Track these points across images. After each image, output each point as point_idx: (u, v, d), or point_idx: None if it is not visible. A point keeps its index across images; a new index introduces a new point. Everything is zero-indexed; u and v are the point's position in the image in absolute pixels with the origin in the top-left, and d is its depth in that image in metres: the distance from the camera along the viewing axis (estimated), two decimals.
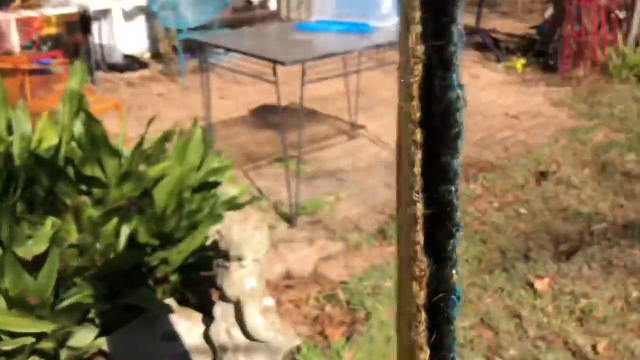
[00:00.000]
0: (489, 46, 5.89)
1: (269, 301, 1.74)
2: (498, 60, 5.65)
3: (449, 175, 0.19)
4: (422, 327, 0.22)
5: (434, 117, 0.19)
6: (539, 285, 2.43)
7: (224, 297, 1.73)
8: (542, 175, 3.33)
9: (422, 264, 0.21)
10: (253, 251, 1.61)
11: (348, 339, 2.20)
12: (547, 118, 4.22)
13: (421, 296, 0.21)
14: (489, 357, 2.09)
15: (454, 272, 0.21)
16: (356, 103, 3.91)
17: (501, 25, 7.08)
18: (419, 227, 0.20)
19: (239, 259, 1.61)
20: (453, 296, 0.21)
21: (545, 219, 2.90)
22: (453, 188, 0.19)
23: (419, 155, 0.20)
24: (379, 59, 3.22)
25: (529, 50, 5.74)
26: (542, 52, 5.55)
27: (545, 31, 5.68)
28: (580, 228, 2.82)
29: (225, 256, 1.64)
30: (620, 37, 5.23)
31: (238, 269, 1.64)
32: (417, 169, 0.20)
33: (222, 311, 1.73)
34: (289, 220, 2.88)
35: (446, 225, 0.20)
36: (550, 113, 4.31)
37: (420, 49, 0.18)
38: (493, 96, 4.63)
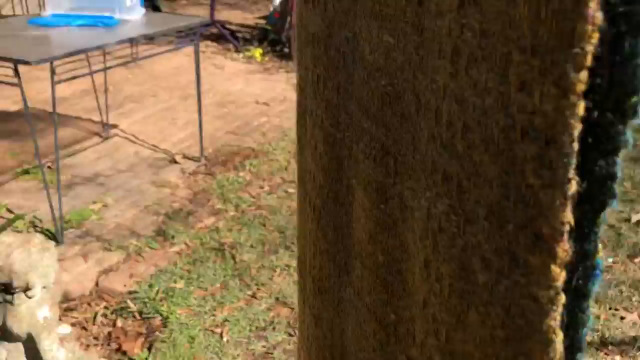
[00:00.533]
0: (227, 37, 6.00)
1: (65, 329, 1.55)
2: (237, 51, 5.80)
3: (618, 145, 0.20)
4: (559, 310, 0.22)
5: (602, 87, 0.20)
6: None
7: (7, 337, 1.49)
8: None
9: (566, 244, 0.22)
10: (42, 277, 1.42)
11: (150, 349, 2.09)
12: (294, 102, 4.48)
13: (561, 278, 0.22)
14: (290, 333, 2.18)
15: (599, 245, 0.22)
16: (106, 102, 3.65)
17: (231, 16, 7.26)
18: (570, 207, 0.21)
19: (26, 289, 1.40)
20: (597, 271, 0.22)
21: None
22: (618, 159, 0.20)
23: (578, 129, 0.20)
24: (125, 54, 3.04)
25: (264, 39, 6.00)
26: (276, 40, 5.85)
27: (275, 21, 5.99)
28: None
29: (5, 290, 1.42)
30: None
31: (25, 301, 1.42)
32: (576, 145, 0.21)
33: (7, 353, 1.49)
34: (54, 237, 2.59)
35: (599, 199, 0.21)
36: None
37: (599, 16, 0.19)
38: (241, 85, 4.76)
